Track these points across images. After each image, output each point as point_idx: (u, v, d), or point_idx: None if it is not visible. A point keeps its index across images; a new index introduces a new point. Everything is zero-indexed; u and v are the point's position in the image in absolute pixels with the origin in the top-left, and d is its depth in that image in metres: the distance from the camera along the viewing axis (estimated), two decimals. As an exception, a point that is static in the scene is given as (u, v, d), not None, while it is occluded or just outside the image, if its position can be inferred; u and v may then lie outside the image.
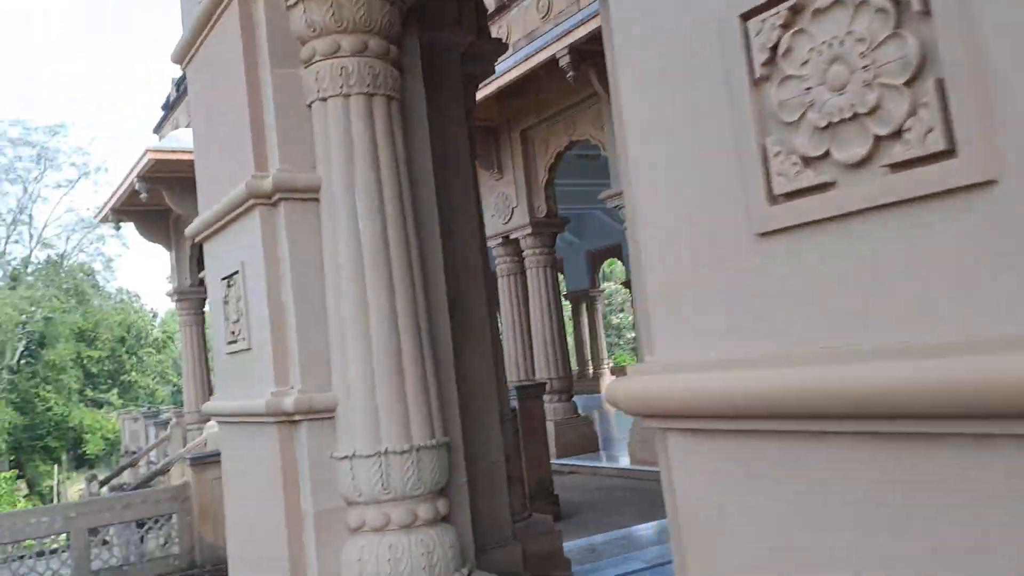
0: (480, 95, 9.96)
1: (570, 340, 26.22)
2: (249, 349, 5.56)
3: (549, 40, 12.58)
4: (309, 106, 4.70)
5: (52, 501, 42.41)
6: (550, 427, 13.81)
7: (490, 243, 14.62)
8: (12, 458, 41.32)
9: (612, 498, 11.22)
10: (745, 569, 1.65)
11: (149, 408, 35.09)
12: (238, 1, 4.64)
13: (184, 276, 18.59)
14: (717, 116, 1.77)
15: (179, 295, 18.80)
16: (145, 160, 14.11)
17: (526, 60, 13.03)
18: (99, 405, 46.27)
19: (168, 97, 26.70)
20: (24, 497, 37.35)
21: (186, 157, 12.60)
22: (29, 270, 43.15)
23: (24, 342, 40.76)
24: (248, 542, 5.64)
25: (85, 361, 44.56)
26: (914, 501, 1.33)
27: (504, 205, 15.35)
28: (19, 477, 39.83)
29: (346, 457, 4.98)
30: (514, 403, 8.86)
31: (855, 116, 1.49)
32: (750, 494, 1.62)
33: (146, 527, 8.76)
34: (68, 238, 43.44)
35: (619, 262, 30.62)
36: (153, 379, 49.49)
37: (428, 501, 4.94)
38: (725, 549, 1.69)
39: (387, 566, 4.68)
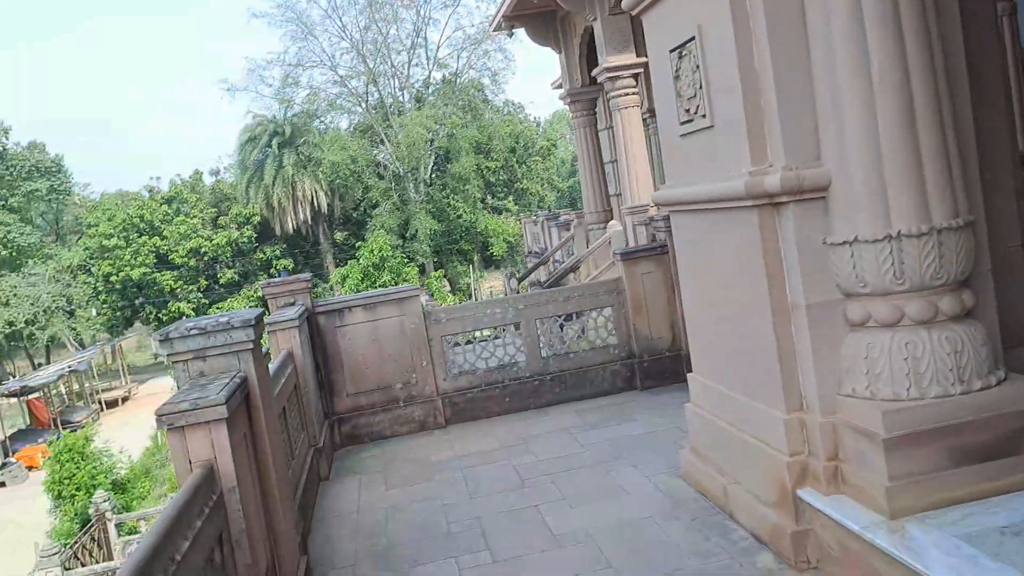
0: None
1: None
2: (711, 127, 4.95)
3: None
4: None
5: (471, 297, 48.83)
6: None
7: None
8: (435, 260, 47.77)
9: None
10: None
11: (539, 211, 37.69)
12: None
13: (575, 77, 18.62)
14: None
15: (571, 96, 18.97)
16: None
17: None
18: (498, 211, 51.04)
19: None
20: (449, 293, 43.11)
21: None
22: (430, 91, 47.53)
23: (433, 157, 45.64)
24: (722, 335, 5.34)
25: (484, 172, 48.85)
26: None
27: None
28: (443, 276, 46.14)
29: (845, 243, 4.24)
30: None
31: None
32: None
33: (582, 319, 9.14)
34: (459, 56, 46.69)
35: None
36: (541, 185, 52.90)
37: (951, 292, 4.08)
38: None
39: (903, 365, 4.00)
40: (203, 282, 46.07)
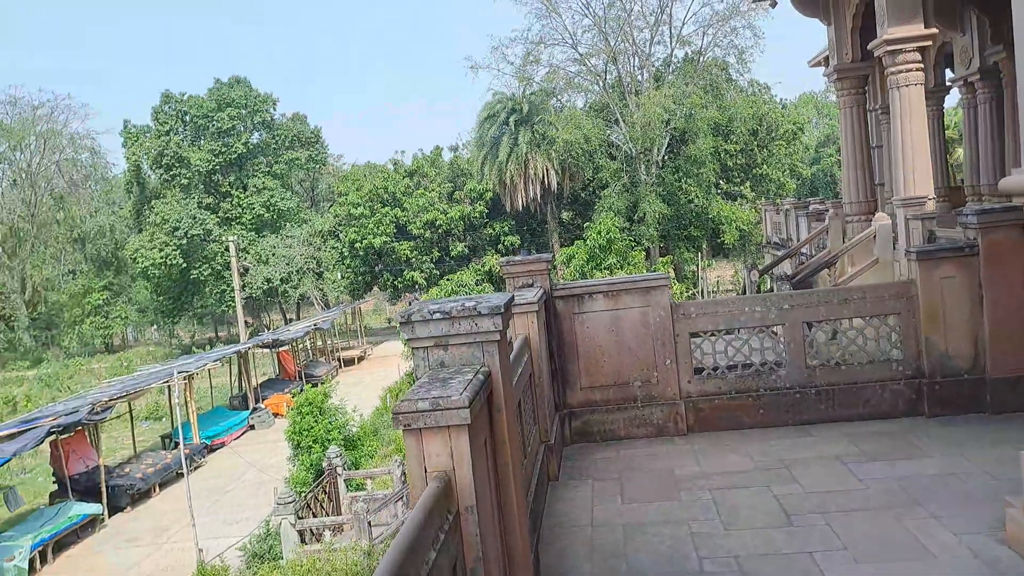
0: None
1: None
2: None
3: None
4: None
5: (696, 285, 46.90)
6: None
7: None
8: (662, 244, 46.29)
9: None
10: None
11: (783, 199, 35.10)
12: None
13: (844, 51, 16.64)
14: None
15: (838, 73, 17.01)
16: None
17: None
18: (732, 198, 48.44)
19: None
20: (673, 280, 41.50)
21: None
22: (670, 69, 45.89)
23: (668, 138, 44.10)
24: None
25: (721, 155, 46.53)
26: None
27: None
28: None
29: None
30: None
31: None
32: None
33: (858, 325, 7.75)
34: (704, 34, 44.61)
35: None
36: (782, 172, 49.54)
37: None
38: None
39: None
40: (436, 253, 48.02)
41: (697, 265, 47.97)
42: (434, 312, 3.70)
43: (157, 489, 23.77)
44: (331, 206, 53.71)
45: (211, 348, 44.46)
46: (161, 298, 52.78)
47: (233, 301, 44.86)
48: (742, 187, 48.18)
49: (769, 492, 6.13)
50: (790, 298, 7.80)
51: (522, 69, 45.88)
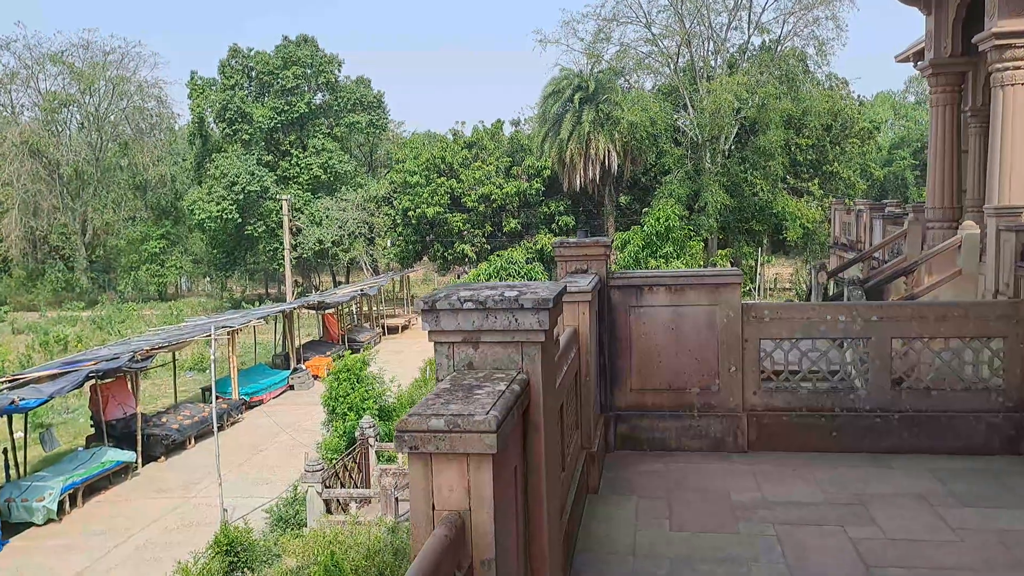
0: None
1: None
2: None
3: None
4: None
5: (751, 281, 45.34)
6: None
7: None
8: (721, 236, 44.86)
9: None
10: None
11: (857, 199, 33.45)
12: None
13: (943, 44, 15.35)
14: None
15: (934, 68, 15.73)
16: None
17: None
18: (799, 193, 46.62)
19: None
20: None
21: None
22: (745, 56, 44.18)
23: (737, 128, 42.54)
24: None
25: (791, 149, 44.77)
26: None
27: None
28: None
29: None
30: None
31: None
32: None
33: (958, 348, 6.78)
34: (784, 21, 42.79)
35: None
36: (854, 171, 47.50)
37: None
38: None
39: None
40: (488, 228, 47.34)
41: (756, 260, 46.41)
42: (465, 300, 2.95)
43: (192, 441, 23.70)
44: (388, 172, 53.34)
45: (260, 304, 44.66)
46: (215, 251, 53.21)
47: (284, 259, 44.94)
48: (810, 184, 46.30)
49: (844, 534, 5.27)
50: (879, 309, 6.85)
51: (592, 46, 44.67)
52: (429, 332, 3.04)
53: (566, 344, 5.46)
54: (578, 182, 44.43)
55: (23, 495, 17.87)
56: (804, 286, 37.47)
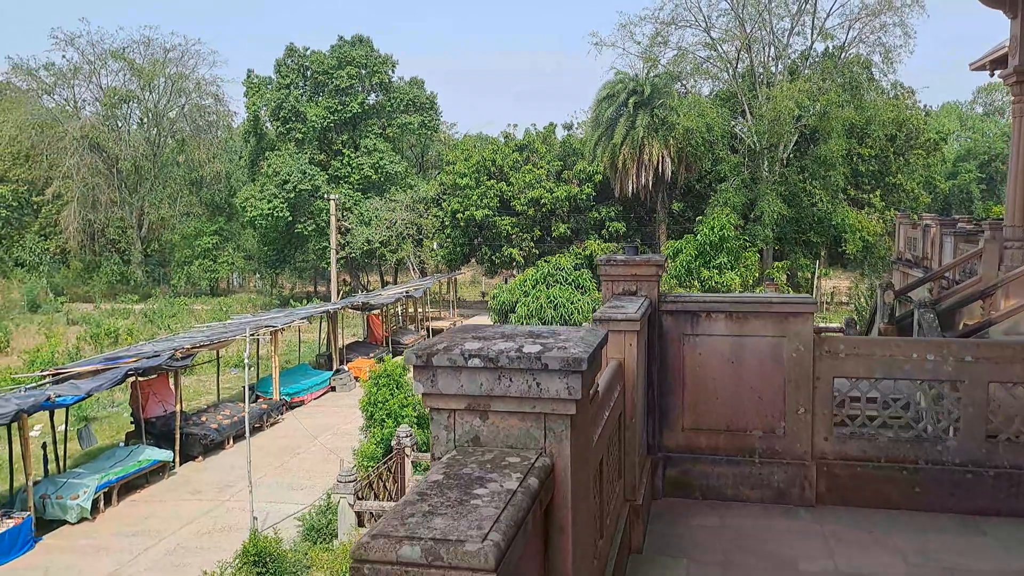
0: None
1: None
2: None
3: None
4: None
5: (807, 292, 43.70)
6: None
7: None
8: (776, 247, 43.38)
9: None
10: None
11: (923, 213, 31.83)
12: None
13: (1033, 48, 14.14)
14: None
15: (1018, 75, 14.48)
16: None
17: None
18: (859, 205, 44.87)
19: None
20: (786, 287, 38.85)
21: None
22: (807, 63, 42.69)
23: (796, 136, 41.10)
24: None
25: (853, 159, 43.10)
26: None
27: None
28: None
29: None
30: None
31: None
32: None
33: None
34: (849, 27, 41.19)
35: None
36: (917, 183, 45.56)
37: None
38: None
39: None
40: (537, 232, 46.58)
41: (813, 273, 44.79)
42: (471, 355, 2.22)
43: (231, 441, 23.43)
44: (438, 174, 52.99)
45: (308, 302, 44.59)
46: (266, 248, 53.50)
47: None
48: (871, 195, 44.52)
49: (935, 624, 4.42)
50: (976, 348, 5.92)
51: (648, 49, 43.66)
52: (423, 395, 2.32)
53: (608, 384, 4.69)
54: (630, 188, 43.41)
55: (58, 491, 17.72)
56: (863, 301, 35.82)
